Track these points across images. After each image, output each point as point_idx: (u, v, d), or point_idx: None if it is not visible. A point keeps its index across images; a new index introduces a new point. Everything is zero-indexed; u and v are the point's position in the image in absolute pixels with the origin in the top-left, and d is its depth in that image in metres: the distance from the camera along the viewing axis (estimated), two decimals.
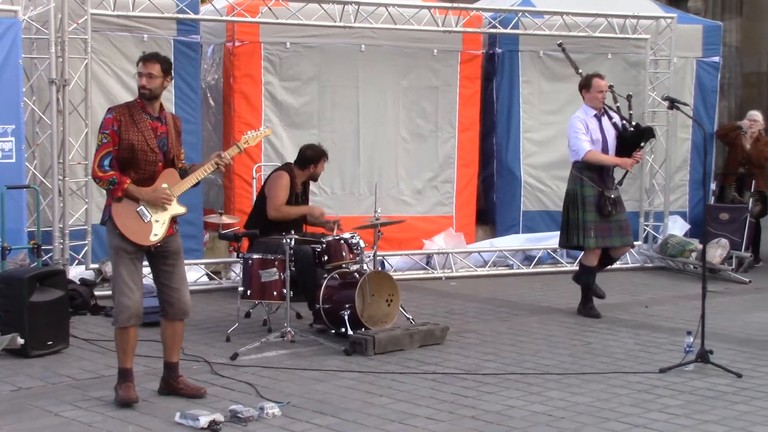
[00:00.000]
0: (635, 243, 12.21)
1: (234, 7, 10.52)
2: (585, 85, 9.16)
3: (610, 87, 9.37)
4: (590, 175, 9.00)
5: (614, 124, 9.16)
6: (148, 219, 6.22)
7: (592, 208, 8.98)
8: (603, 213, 8.94)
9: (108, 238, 6.34)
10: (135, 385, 6.30)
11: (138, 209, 6.21)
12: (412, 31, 11.14)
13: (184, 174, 6.42)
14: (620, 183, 9.30)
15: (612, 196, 8.99)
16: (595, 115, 9.08)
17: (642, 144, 9.21)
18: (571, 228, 9.12)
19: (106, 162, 6.17)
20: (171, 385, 6.45)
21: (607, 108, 9.19)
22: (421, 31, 11.20)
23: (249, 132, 6.82)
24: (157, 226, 6.24)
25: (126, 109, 6.28)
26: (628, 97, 9.28)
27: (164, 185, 6.28)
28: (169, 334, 6.45)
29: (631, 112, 9.28)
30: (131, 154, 6.20)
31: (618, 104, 9.53)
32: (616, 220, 9.07)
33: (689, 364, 7.14)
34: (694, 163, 12.76)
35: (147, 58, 6.32)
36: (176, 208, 6.33)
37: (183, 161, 6.51)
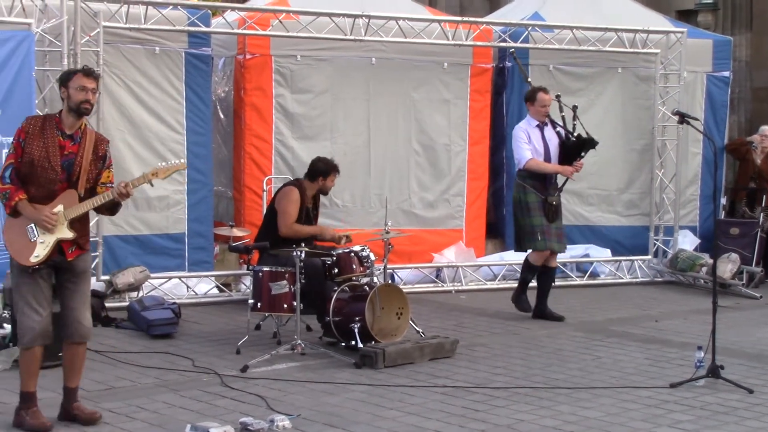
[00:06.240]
0: (645, 257, 12.26)
1: (245, 20, 10.56)
2: (530, 98, 9.64)
3: (557, 97, 9.70)
4: (533, 183, 9.49)
5: (558, 133, 9.63)
6: (34, 239, 5.90)
7: (537, 213, 9.46)
8: (547, 218, 9.46)
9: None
10: (39, 409, 6.02)
11: (28, 227, 5.92)
12: (423, 44, 11.17)
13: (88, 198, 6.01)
14: (560, 190, 9.68)
15: (554, 202, 9.53)
16: (537, 126, 9.56)
17: (582, 153, 9.60)
18: (521, 233, 9.60)
19: (7, 174, 5.91)
20: (67, 411, 6.12)
21: (551, 119, 9.64)
22: (432, 45, 11.23)
23: (161, 163, 6.38)
24: (41, 248, 5.89)
25: (40, 122, 6.01)
26: (574, 108, 9.64)
27: (60, 206, 5.92)
28: (68, 358, 6.13)
29: (575, 122, 9.65)
30: (31, 169, 5.90)
31: (563, 114, 9.74)
32: (557, 227, 9.58)
33: (700, 379, 7.13)
34: (705, 178, 12.73)
35: (90, 73, 5.99)
36: (64, 232, 5.92)
37: (109, 185, 6.05)
